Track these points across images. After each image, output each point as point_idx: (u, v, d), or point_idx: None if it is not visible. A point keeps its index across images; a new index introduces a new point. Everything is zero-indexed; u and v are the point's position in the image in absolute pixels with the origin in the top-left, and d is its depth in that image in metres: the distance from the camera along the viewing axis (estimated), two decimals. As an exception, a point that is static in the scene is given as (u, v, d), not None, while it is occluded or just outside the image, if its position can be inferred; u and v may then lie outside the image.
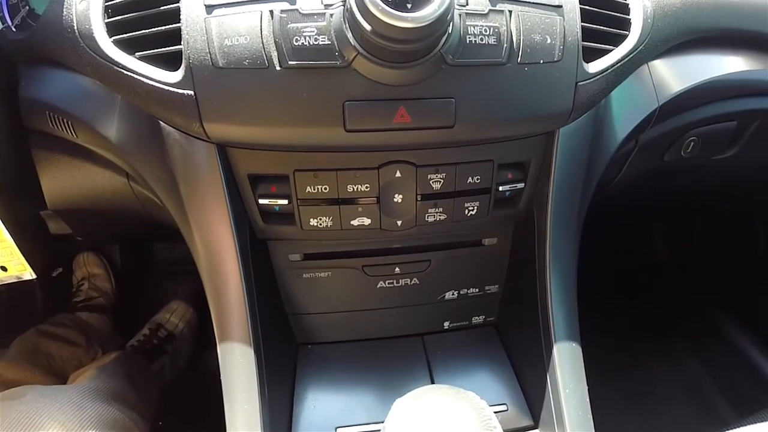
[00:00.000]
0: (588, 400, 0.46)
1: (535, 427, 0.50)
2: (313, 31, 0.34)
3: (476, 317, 0.59)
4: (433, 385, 0.34)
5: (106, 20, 0.38)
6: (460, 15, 0.35)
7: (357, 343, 0.57)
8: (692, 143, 0.65)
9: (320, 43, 0.34)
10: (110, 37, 0.37)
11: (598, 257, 1.18)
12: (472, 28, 0.36)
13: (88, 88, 0.46)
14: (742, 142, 0.69)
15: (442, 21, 0.31)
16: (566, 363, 0.46)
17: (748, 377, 1.00)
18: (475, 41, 0.36)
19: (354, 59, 0.34)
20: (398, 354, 0.56)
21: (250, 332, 0.45)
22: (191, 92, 0.35)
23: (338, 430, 0.49)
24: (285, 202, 0.43)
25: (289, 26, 0.34)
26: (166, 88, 0.36)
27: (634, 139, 0.58)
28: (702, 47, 0.58)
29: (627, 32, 0.45)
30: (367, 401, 0.51)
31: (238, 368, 0.44)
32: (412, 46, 0.32)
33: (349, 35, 0.33)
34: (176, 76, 0.36)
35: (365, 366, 0.55)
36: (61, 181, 0.62)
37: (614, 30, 0.44)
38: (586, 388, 0.47)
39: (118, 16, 0.38)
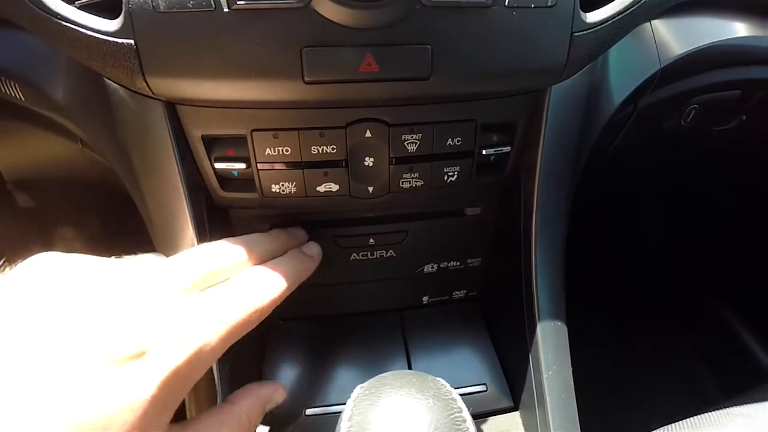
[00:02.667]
0: (572, 382, 0.43)
1: (516, 409, 0.47)
2: None
3: (457, 292, 0.56)
4: (399, 371, 0.30)
5: None
6: None
7: (330, 319, 0.53)
8: (693, 111, 0.61)
9: None
10: None
11: (591, 233, 1.17)
12: None
13: (32, 46, 0.42)
14: (745, 114, 0.65)
15: None
16: (550, 343, 0.43)
17: (739, 358, 0.99)
18: None
19: None
20: (374, 331, 0.52)
21: None
22: (131, 41, 0.31)
23: (307, 411, 0.46)
24: (243, 166, 0.39)
25: None
26: (105, 38, 0.31)
27: (633, 104, 0.54)
28: (710, 9, 0.54)
29: None
30: (339, 382, 0.48)
31: None
32: None
33: None
34: (115, 24, 0.32)
35: (338, 344, 0.51)
36: (13, 150, 0.59)
37: None
38: (571, 370, 0.44)
39: None
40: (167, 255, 0.43)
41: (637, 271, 1.18)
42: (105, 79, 0.38)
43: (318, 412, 0.46)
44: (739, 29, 0.56)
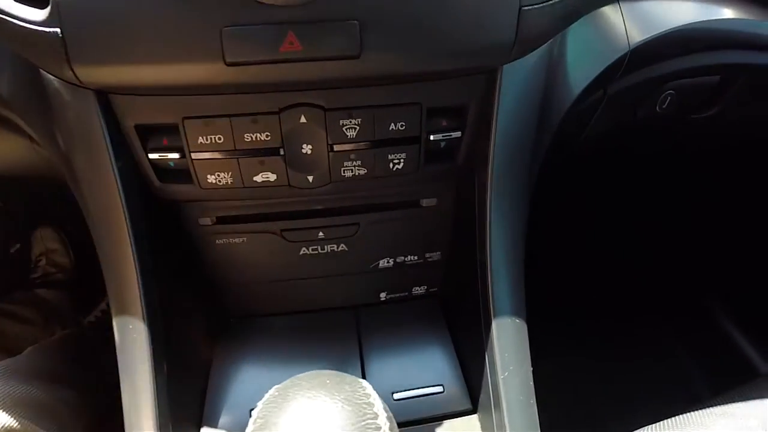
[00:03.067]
0: (531, 383, 0.40)
1: (474, 412, 0.45)
2: None
3: (417, 288, 0.54)
4: (318, 372, 0.28)
5: None
6: None
7: (284, 317, 0.51)
8: (669, 98, 0.58)
9: None
10: None
11: (583, 231, 1.14)
12: None
13: None
14: (725, 101, 0.62)
15: None
16: (507, 341, 0.40)
17: (730, 359, 0.97)
18: None
19: None
20: (328, 329, 0.50)
21: (143, 307, 0.40)
22: (57, 30, 0.31)
23: (253, 412, 0.44)
24: (177, 156, 0.38)
25: None
26: (33, 27, 0.31)
27: (602, 89, 0.51)
28: None
29: None
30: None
31: (132, 346, 0.40)
32: None
33: None
34: (43, 13, 0.31)
35: (290, 342, 0.49)
36: None
37: None
38: (530, 369, 0.41)
39: None
40: (106, 255, 0.42)
41: (631, 271, 1.15)
42: (41, 70, 0.37)
43: None
44: (716, 10, 0.54)
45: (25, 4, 0.31)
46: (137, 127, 0.37)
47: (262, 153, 0.37)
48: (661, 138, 0.70)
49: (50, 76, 0.36)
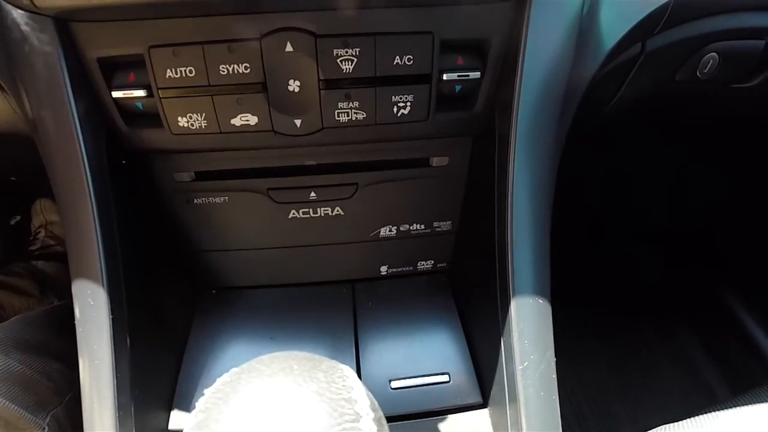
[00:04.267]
0: (554, 376, 0.34)
1: (484, 406, 0.39)
2: None
3: (423, 262, 0.48)
4: (285, 353, 0.22)
5: None
6: None
7: (270, 290, 0.46)
8: (711, 61, 0.52)
9: None
10: None
11: (587, 215, 1.10)
12: None
13: None
14: (768, 70, 0.55)
15: None
16: (528, 327, 0.34)
17: (744, 350, 0.92)
18: None
19: None
20: (319, 305, 0.44)
21: (102, 274, 0.35)
22: None
23: (197, 402, 0.39)
24: (143, 93, 0.34)
25: None
26: None
27: (641, 42, 0.45)
28: None
29: None
30: None
31: (90, 318, 0.35)
32: None
33: None
34: None
35: (277, 319, 0.44)
36: None
37: None
38: (554, 360, 0.35)
39: None
40: (65, 212, 0.37)
41: (647, 263, 1.11)
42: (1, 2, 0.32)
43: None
44: None
45: None
46: (100, 61, 0.33)
47: (241, 89, 0.32)
48: (697, 109, 0.64)
49: (8, 6, 0.32)
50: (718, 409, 0.50)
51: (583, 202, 1.07)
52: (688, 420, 0.49)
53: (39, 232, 1.12)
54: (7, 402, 0.50)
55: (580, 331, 0.95)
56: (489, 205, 0.38)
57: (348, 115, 0.33)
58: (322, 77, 0.31)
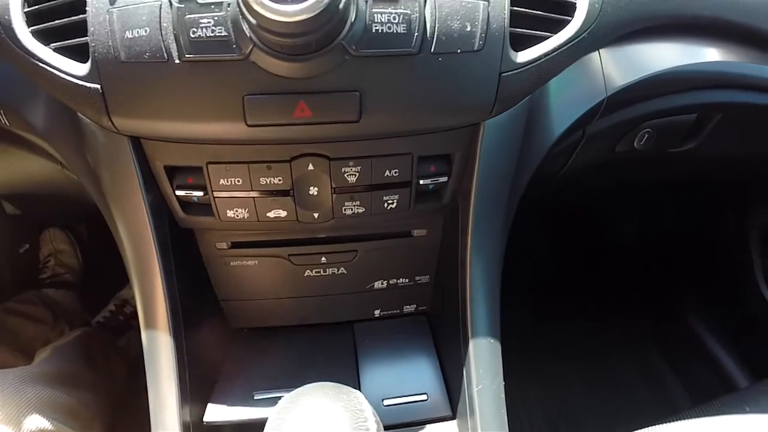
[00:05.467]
0: (503, 396, 0.46)
1: (453, 418, 0.51)
2: (210, 23, 0.32)
3: (407, 306, 0.59)
4: (320, 383, 0.34)
5: (25, 9, 0.36)
6: (366, 1, 0.33)
7: (289, 329, 0.57)
8: (646, 135, 0.62)
9: (217, 35, 0.33)
10: (29, 27, 0.36)
11: (559, 244, 1.18)
12: (379, 15, 0.33)
13: (15, 75, 0.45)
14: (702, 136, 0.65)
15: (330, 12, 0.29)
16: (482, 358, 0.46)
17: (707, 368, 1.01)
18: (383, 30, 0.34)
19: (251, 52, 0.33)
20: (328, 341, 0.56)
21: (169, 323, 0.46)
22: (98, 86, 0.34)
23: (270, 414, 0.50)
24: (201, 193, 0.43)
25: (186, 17, 0.32)
26: (75, 81, 0.35)
27: (581, 130, 0.56)
28: (660, 35, 0.53)
29: (569, 17, 0.40)
30: (289, 379, 0.51)
31: (159, 355, 0.46)
32: (302, 39, 0.31)
33: (245, 27, 0.32)
34: (84, 68, 0.35)
35: (294, 352, 0.55)
36: (1, 169, 0.63)
37: (553, 15, 0.40)
38: (502, 383, 0.47)
39: (36, 5, 0.37)
40: (135, 270, 0.47)
41: (613, 280, 1.20)
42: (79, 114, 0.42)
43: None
44: (691, 54, 0.55)
45: (65, 56, 0.35)
46: (166, 168, 0.42)
47: (275, 194, 0.43)
48: (641, 170, 0.75)
49: (87, 120, 0.41)
50: (681, 418, 0.58)
51: (558, 235, 1.15)
52: (652, 428, 0.58)
53: (48, 261, 1.16)
54: (65, 427, 0.58)
55: (555, 353, 1.02)
56: (452, 263, 0.50)
57: (352, 210, 0.44)
58: (334, 186, 0.42)
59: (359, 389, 0.53)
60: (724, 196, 0.95)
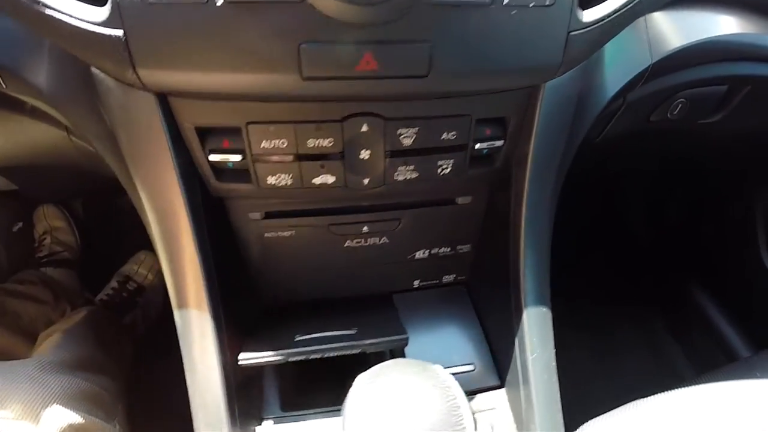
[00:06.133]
0: (554, 364, 0.46)
1: (501, 387, 0.50)
2: None
3: (447, 276, 0.58)
4: (398, 360, 0.32)
5: None
6: None
7: (327, 301, 0.55)
8: (680, 105, 0.62)
9: None
10: None
11: (575, 219, 1.19)
12: None
13: (12, 31, 0.40)
14: (730, 108, 0.66)
15: None
16: (535, 328, 0.46)
17: (709, 339, 1.04)
18: None
19: None
20: (370, 312, 0.54)
21: (206, 296, 0.42)
22: (120, 32, 0.30)
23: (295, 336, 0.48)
24: (239, 158, 0.39)
25: None
26: (92, 28, 0.30)
27: (623, 97, 0.55)
28: (704, 4, 0.54)
29: None
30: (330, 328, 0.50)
31: (196, 334, 0.42)
32: None
33: None
34: (102, 13, 0.30)
35: (335, 323, 0.52)
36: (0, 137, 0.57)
37: None
38: (554, 352, 0.46)
39: None
40: (164, 241, 0.43)
41: (622, 258, 1.22)
42: (91, 68, 0.36)
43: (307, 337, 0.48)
44: (730, 25, 0.56)
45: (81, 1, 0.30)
46: (197, 129, 0.37)
47: (323, 158, 0.39)
48: (670, 141, 0.75)
49: (102, 75, 0.36)
50: (685, 386, 0.60)
51: (574, 213, 1.16)
52: (658, 395, 0.60)
53: (44, 239, 1.11)
54: (90, 416, 0.55)
55: (565, 322, 1.05)
56: (501, 232, 0.49)
57: (404, 176, 0.41)
58: (388, 149, 0.39)
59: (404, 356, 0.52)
60: (731, 177, 0.97)
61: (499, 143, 0.43)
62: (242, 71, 0.32)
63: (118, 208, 1.30)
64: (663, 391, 0.56)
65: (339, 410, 0.47)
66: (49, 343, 0.73)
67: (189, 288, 0.43)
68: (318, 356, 0.47)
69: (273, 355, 0.46)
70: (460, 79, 0.36)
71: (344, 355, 0.52)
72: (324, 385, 0.52)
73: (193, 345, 0.42)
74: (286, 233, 0.49)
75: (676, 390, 0.55)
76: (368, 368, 0.48)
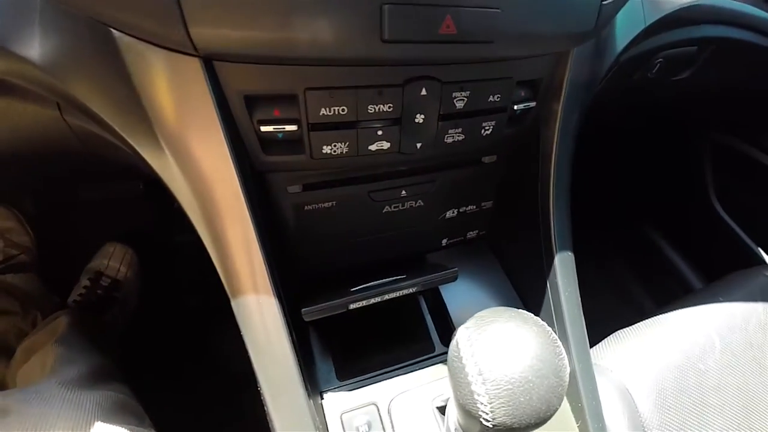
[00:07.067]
0: (580, 301, 0.51)
1: None
2: None
3: (471, 232, 0.61)
4: (497, 308, 0.33)
5: None
6: None
7: (359, 268, 0.56)
8: (659, 64, 0.69)
9: None
10: None
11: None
12: None
13: None
14: (696, 66, 0.74)
15: None
16: (564, 269, 0.50)
17: (666, 274, 1.18)
18: None
19: None
20: (405, 266, 0.56)
21: (267, 272, 0.39)
22: None
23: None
24: (294, 127, 0.37)
25: None
26: None
27: (618, 59, 0.60)
28: None
29: None
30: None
31: (264, 319, 0.40)
32: None
33: None
34: None
35: (375, 275, 0.52)
36: None
37: None
38: (578, 291, 0.52)
39: None
40: (209, 219, 0.39)
41: (587, 208, 1.32)
42: (113, 32, 0.32)
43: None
44: None
45: None
46: (246, 97, 0.35)
47: (382, 123, 0.39)
48: (644, 95, 0.83)
49: (128, 39, 0.32)
50: (660, 314, 0.70)
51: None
52: (638, 324, 0.69)
53: None
54: (131, 427, 0.52)
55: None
56: (525, 187, 0.52)
57: (453, 138, 0.43)
58: (441, 112, 0.41)
59: (446, 310, 0.55)
60: (686, 127, 1.08)
61: (532, 104, 0.46)
62: (316, 32, 0.30)
63: (71, 200, 1.20)
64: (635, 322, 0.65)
65: (392, 372, 0.50)
66: (49, 356, 0.68)
67: (247, 266, 0.40)
68: (378, 300, 0.48)
69: (335, 304, 0.46)
70: (517, 45, 0.38)
71: (386, 322, 0.54)
72: (372, 351, 0.54)
73: (257, 324, 0.40)
74: (327, 204, 0.48)
75: (655, 317, 0.66)
76: (409, 331, 0.53)
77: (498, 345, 0.30)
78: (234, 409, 1.01)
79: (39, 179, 0.91)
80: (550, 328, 0.32)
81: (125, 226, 1.17)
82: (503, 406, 0.29)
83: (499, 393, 0.29)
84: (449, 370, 0.33)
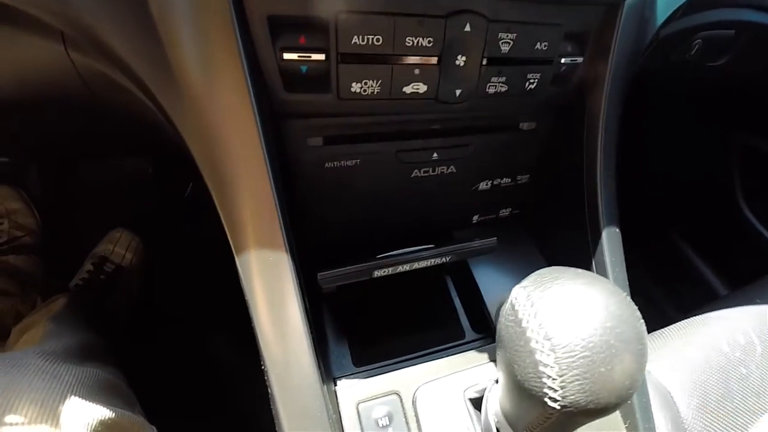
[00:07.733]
0: (627, 282, 0.47)
1: None
2: None
3: (504, 210, 0.56)
4: (555, 267, 0.28)
5: None
6: None
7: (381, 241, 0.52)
8: (697, 46, 0.67)
9: None
10: None
11: None
12: None
13: None
14: (733, 52, 0.72)
15: None
16: (612, 249, 0.46)
17: (689, 281, 1.13)
18: None
19: None
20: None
21: (283, 237, 0.35)
22: None
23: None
24: (321, 56, 0.33)
25: None
26: None
27: (658, 33, 0.57)
28: None
29: None
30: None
31: (278, 278, 0.35)
32: None
33: None
34: None
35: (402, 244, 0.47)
36: None
37: None
38: (625, 268, 0.47)
39: None
40: (218, 168, 0.35)
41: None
42: None
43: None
44: None
45: None
46: (270, 19, 0.31)
47: (419, 60, 0.36)
48: (679, 81, 0.80)
49: None
50: (693, 315, 0.66)
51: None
52: (674, 325, 0.65)
53: (2, 224, 1.00)
54: (117, 409, 0.48)
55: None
56: (573, 158, 0.48)
57: (495, 88, 0.40)
58: (486, 55, 0.37)
59: (476, 288, 0.51)
60: (714, 128, 1.05)
61: (579, 59, 0.43)
62: None
63: (78, 182, 1.18)
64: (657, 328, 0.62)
65: (416, 359, 0.45)
66: (39, 332, 0.64)
67: (257, 218, 0.35)
68: (407, 268, 0.43)
69: (358, 269, 0.41)
70: None
71: (408, 305, 0.49)
72: (393, 336, 0.49)
73: (264, 285, 0.35)
74: (350, 162, 0.43)
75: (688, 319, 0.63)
76: (435, 315, 0.48)
77: (568, 304, 0.24)
78: (228, 404, 0.96)
79: (40, 139, 0.85)
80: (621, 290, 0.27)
81: (133, 212, 1.15)
82: (577, 380, 0.23)
83: (572, 362, 0.23)
84: (500, 340, 0.27)
